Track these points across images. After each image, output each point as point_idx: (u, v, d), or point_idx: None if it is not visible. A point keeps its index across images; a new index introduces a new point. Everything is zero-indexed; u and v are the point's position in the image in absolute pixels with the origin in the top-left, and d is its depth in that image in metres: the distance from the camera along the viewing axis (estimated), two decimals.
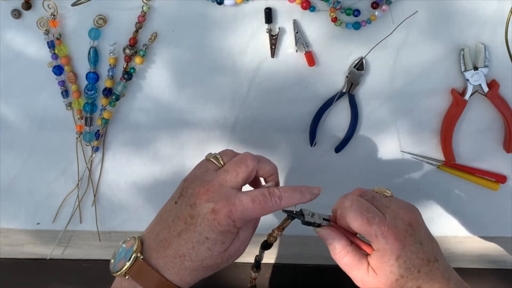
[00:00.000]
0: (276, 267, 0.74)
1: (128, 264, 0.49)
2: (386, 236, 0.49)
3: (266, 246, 0.57)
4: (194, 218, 0.49)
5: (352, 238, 0.53)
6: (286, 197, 0.52)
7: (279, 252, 0.73)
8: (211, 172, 0.53)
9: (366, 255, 0.52)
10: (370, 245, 0.52)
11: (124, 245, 0.52)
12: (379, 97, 0.66)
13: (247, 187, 0.54)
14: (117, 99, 0.66)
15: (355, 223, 0.50)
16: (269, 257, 0.74)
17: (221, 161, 0.54)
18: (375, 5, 0.62)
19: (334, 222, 0.54)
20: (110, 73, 0.65)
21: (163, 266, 0.50)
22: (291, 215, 0.54)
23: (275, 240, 0.56)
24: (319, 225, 0.53)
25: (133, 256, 0.49)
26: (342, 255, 0.52)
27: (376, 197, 0.53)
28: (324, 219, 0.55)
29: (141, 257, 0.50)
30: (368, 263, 0.51)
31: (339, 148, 0.68)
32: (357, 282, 0.52)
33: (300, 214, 0.53)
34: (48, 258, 0.75)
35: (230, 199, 0.50)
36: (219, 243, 0.49)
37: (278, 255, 0.73)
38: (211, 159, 0.54)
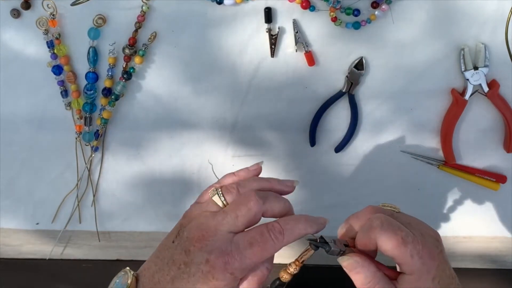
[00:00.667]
0: (276, 267, 0.74)
1: None
2: (422, 256, 0.44)
3: (279, 285, 0.48)
4: (188, 267, 0.45)
5: (376, 263, 0.47)
6: (289, 229, 0.46)
7: (279, 252, 0.73)
8: (210, 214, 0.47)
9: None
10: (392, 270, 0.47)
11: (119, 280, 0.48)
12: (379, 97, 0.66)
13: None
14: (117, 99, 0.66)
15: (389, 244, 0.44)
16: None
17: (223, 202, 0.48)
18: (375, 5, 0.62)
19: (353, 247, 0.48)
20: (110, 73, 0.65)
21: None
22: (315, 244, 0.46)
23: (290, 278, 0.48)
24: (343, 253, 0.47)
25: None
26: (373, 284, 0.46)
27: (394, 214, 0.48)
28: (344, 244, 0.48)
29: None
30: None
31: (339, 148, 0.68)
32: None
33: (324, 242, 0.46)
34: (47, 258, 0.75)
35: (226, 248, 0.44)
36: None
37: (278, 255, 0.73)
38: (213, 199, 0.49)
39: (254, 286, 0.47)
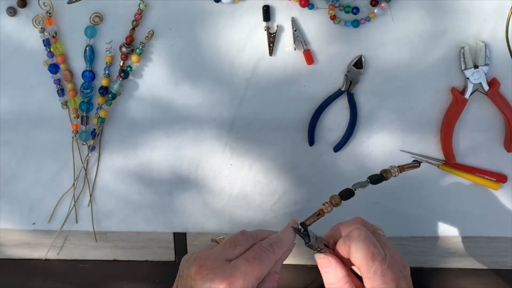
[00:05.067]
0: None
1: None
2: (384, 275, 0.48)
3: (378, 179, 0.52)
4: None
5: (347, 270, 0.51)
6: (275, 241, 0.51)
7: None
8: (207, 248, 0.50)
9: None
10: (360, 281, 0.51)
11: None
12: (378, 96, 0.65)
13: None
14: (114, 97, 0.66)
15: (359, 254, 0.49)
16: None
17: (223, 237, 0.52)
18: (374, 3, 0.61)
19: (333, 249, 0.53)
20: (107, 72, 0.65)
21: None
22: (298, 233, 0.51)
23: (389, 178, 0.52)
24: (318, 250, 0.52)
25: None
26: (339, 285, 0.50)
27: (376, 231, 0.53)
28: (324, 244, 0.53)
29: None
30: None
31: (338, 147, 0.67)
32: None
33: (306, 235, 0.51)
34: (43, 259, 0.74)
35: (226, 271, 0.46)
36: None
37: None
38: (216, 240, 0.52)
39: (273, 284, 0.50)
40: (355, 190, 0.52)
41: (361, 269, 0.49)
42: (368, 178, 0.53)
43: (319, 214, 0.52)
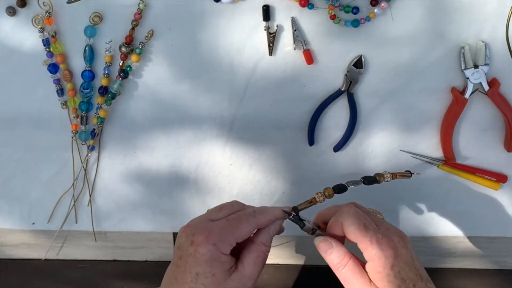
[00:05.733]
0: (276, 267, 0.73)
1: None
2: (380, 243, 0.49)
3: (371, 181, 0.55)
4: (182, 258, 0.49)
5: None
6: (260, 211, 0.52)
7: (279, 252, 0.72)
8: (200, 215, 0.54)
9: None
10: (360, 260, 0.51)
11: None
12: (378, 96, 0.65)
13: None
14: (113, 97, 0.66)
15: (352, 226, 0.50)
16: (269, 257, 0.73)
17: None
18: (374, 3, 0.61)
19: (324, 230, 0.54)
20: (106, 71, 0.65)
21: None
22: (290, 218, 0.53)
23: (381, 182, 0.55)
24: (314, 231, 0.53)
25: None
26: (344, 262, 0.51)
27: (370, 212, 0.54)
28: (317, 226, 0.54)
29: None
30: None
31: (337, 147, 0.67)
32: None
33: (298, 219, 0.53)
34: (43, 259, 0.74)
35: (206, 227, 0.50)
36: (210, 276, 0.48)
37: (278, 255, 0.73)
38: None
39: (254, 262, 0.51)
40: (348, 186, 0.55)
41: (357, 241, 0.50)
42: (362, 178, 0.56)
43: (311, 202, 0.54)
